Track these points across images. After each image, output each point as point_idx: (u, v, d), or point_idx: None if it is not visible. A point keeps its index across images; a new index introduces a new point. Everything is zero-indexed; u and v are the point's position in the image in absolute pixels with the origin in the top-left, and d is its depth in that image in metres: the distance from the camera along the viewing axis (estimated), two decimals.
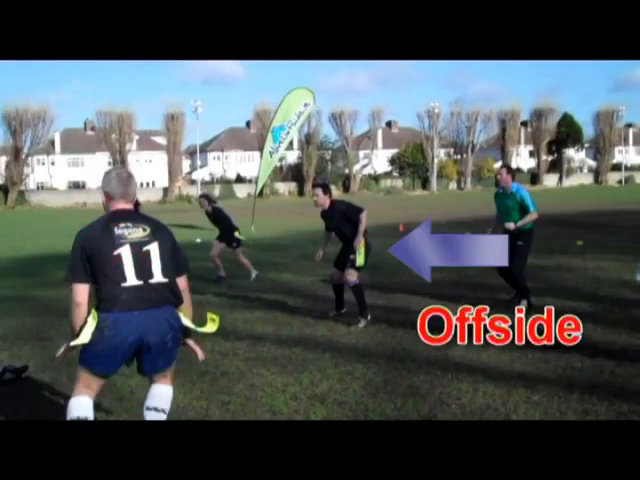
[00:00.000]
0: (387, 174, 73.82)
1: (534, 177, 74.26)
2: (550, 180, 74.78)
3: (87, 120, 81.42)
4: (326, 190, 8.52)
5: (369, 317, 8.19)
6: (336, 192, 65.65)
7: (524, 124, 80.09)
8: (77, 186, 74.76)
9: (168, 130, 63.04)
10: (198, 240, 19.63)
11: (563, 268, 12.32)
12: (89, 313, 4.10)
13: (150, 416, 4.43)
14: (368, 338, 7.57)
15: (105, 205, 4.38)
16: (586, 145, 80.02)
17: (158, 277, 4.18)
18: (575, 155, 79.68)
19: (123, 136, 61.46)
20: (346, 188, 67.26)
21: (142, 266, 4.14)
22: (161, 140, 69.96)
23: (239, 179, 72.67)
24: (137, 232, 4.18)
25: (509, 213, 8.85)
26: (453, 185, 72.39)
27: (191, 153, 78.35)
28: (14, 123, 56.23)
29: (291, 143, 79.04)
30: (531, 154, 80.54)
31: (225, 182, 69.78)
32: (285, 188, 66.56)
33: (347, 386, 5.93)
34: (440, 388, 5.81)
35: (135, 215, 4.34)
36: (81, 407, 4.17)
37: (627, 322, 7.88)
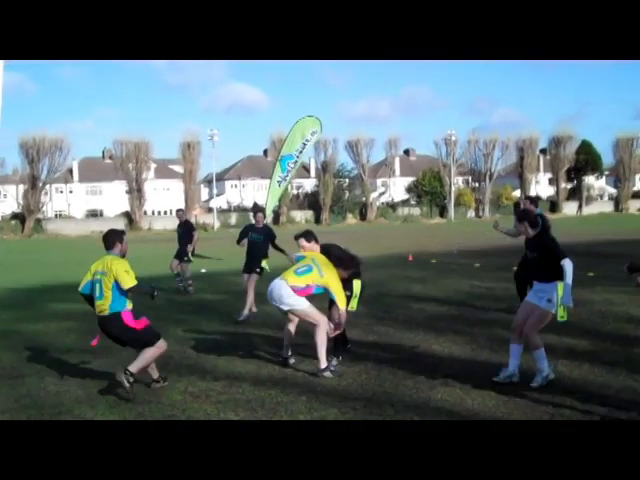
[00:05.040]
0: (404, 202, 73.63)
1: (553, 205, 73.63)
2: (569, 208, 74.17)
3: (105, 148, 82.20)
4: (309, 238, 8.30)
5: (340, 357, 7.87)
6: (353, 220, 65.58)
7: (543, 151, 79.72)
8: (95, 214, 75.17)
9: (184, 158, 63.42)
10: (203, 270, 19.44)
11: None
12: None
13: None
14: (350, 379, 7.20)
15: None
16: (606, 172, 79.36)
17: None
18: (595, 183, 79.08)
19: (140, 164, 61.85)
20: (363, 216, 67.11)
21: None
22: (178, 168, 70.31)
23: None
24: None
25: None
26: (471, 213, 72.03)
27: (209, 181, 78.73)
28: (31, 151, 56.84)
29: (308, 170, 79.48)
30: (550, 182, 79.92)
31: (242, 210, 69.92)
32: (302, 216, 66.57)
33: None
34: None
35: None
36: None
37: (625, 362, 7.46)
